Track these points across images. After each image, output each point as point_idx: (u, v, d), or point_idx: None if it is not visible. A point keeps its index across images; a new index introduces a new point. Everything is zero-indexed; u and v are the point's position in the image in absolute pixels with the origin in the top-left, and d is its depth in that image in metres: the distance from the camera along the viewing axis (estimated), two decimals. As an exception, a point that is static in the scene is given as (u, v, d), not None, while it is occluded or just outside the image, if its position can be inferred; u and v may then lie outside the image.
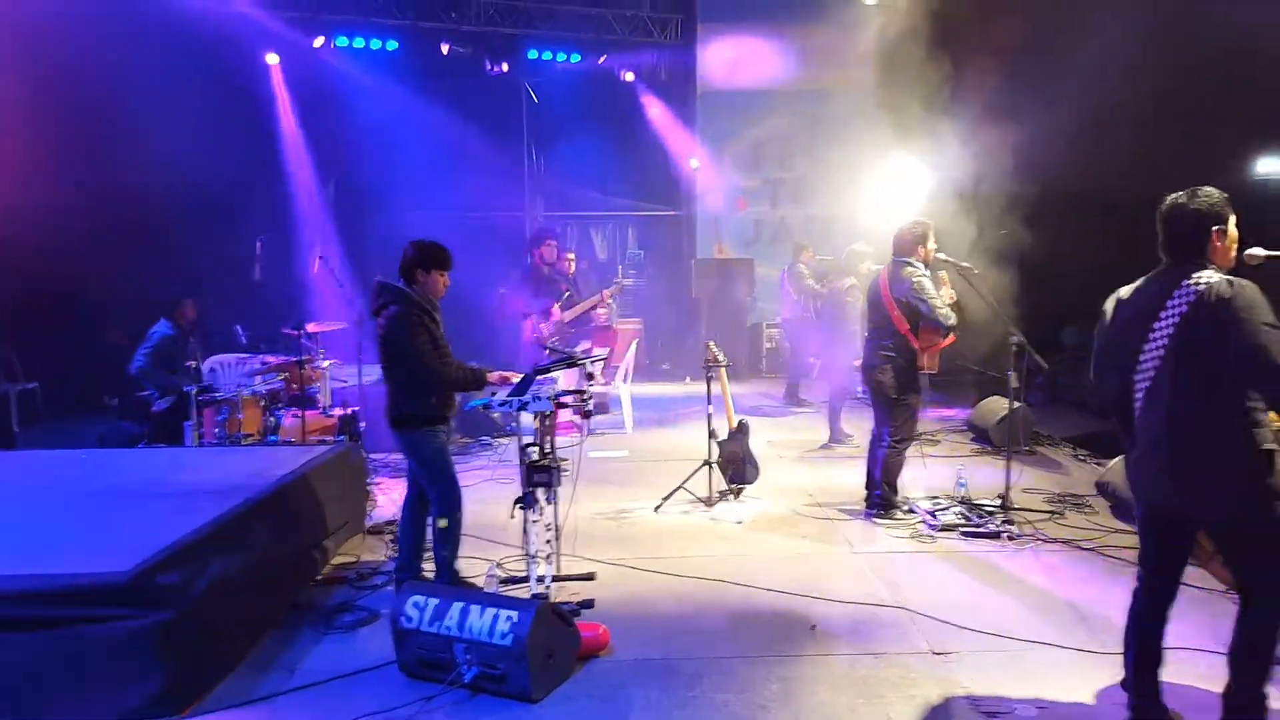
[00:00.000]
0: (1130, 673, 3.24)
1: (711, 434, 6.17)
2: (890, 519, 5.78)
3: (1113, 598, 4.39)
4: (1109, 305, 3.24)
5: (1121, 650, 3.29)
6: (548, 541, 4.47)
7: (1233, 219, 3.06)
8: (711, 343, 6.32)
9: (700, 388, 11.55)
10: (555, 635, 3.63)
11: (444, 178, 12.94)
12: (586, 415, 4.53)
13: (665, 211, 15.68)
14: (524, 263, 7.30)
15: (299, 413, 6.70)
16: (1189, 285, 2.94)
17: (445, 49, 12.92)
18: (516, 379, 4.55)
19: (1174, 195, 3.13)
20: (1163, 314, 2.98)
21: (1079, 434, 8.25)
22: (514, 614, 3.50)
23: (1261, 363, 2.77)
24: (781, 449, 7.93)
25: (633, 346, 9.36)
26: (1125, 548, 5.17)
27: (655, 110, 14.96)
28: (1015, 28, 8.98)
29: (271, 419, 6.79)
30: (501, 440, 8.42)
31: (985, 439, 8.07)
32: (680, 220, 15.46)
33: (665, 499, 6.13)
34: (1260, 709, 3.04)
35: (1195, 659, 3.66)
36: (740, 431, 6.34)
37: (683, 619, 4.34)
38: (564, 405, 4.44)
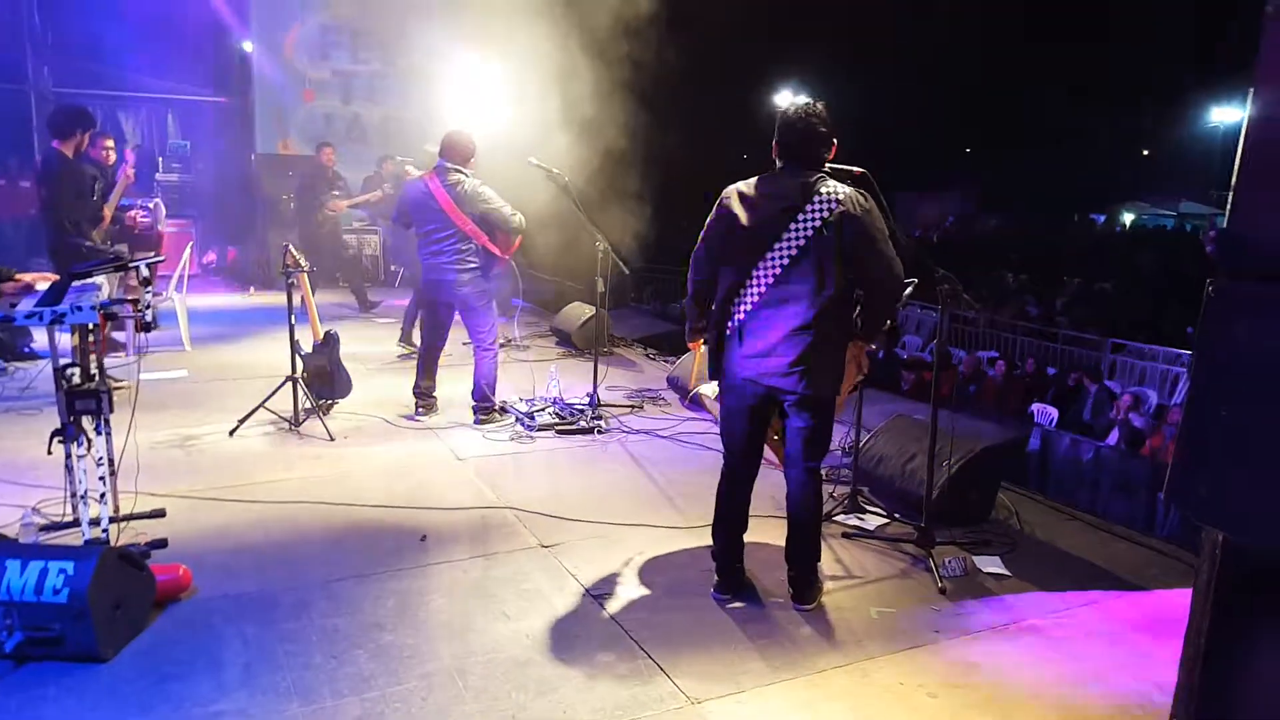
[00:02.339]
0: (722, 540, 3.59)
1: (295, 347, 5.62)
2: (490, 423, 5.81)
3: (690, 478, 4.89)
4: (731, 201, 3.30)
5: (706, 523, 3.66)
6: (100, 479, 3.75)
7: None
8: (291, 245, 5.70)
9: (267, 298, 10.81)
10: (124, 583, 3.07)
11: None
12: (145, 328, 3.82)
13: (214, 98, 13.85)
14: (48, 151, 5.87)
15: None
16: (829, 194, 3.18)
17: None
18: (44, 285, 3.69)
19: (801, 101, 3.33)
20: (800, 216, 3.17)
21: (648, 335, 9.02)
22: (68, 565, 2.88)
23: (889, 272, 3.25)
24: (364, 361, 7.53)
25: (187, 251, 8.19)
26: (695, 434, 5.78)
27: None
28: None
29: None
30: (18, 364, 6.94)
31: (569, 343, 8.44)
32: (234, 109, 13.75)
33: (242, 421, 5.49)
34: (816, 558, 3.57)
35: (765, 523, 4.17)
36: (327, 344, 5.87)
37: (278, 547, 3.95)
38: (114, 316, 3.69)
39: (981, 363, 10.00)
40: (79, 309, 3.47)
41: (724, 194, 3.36)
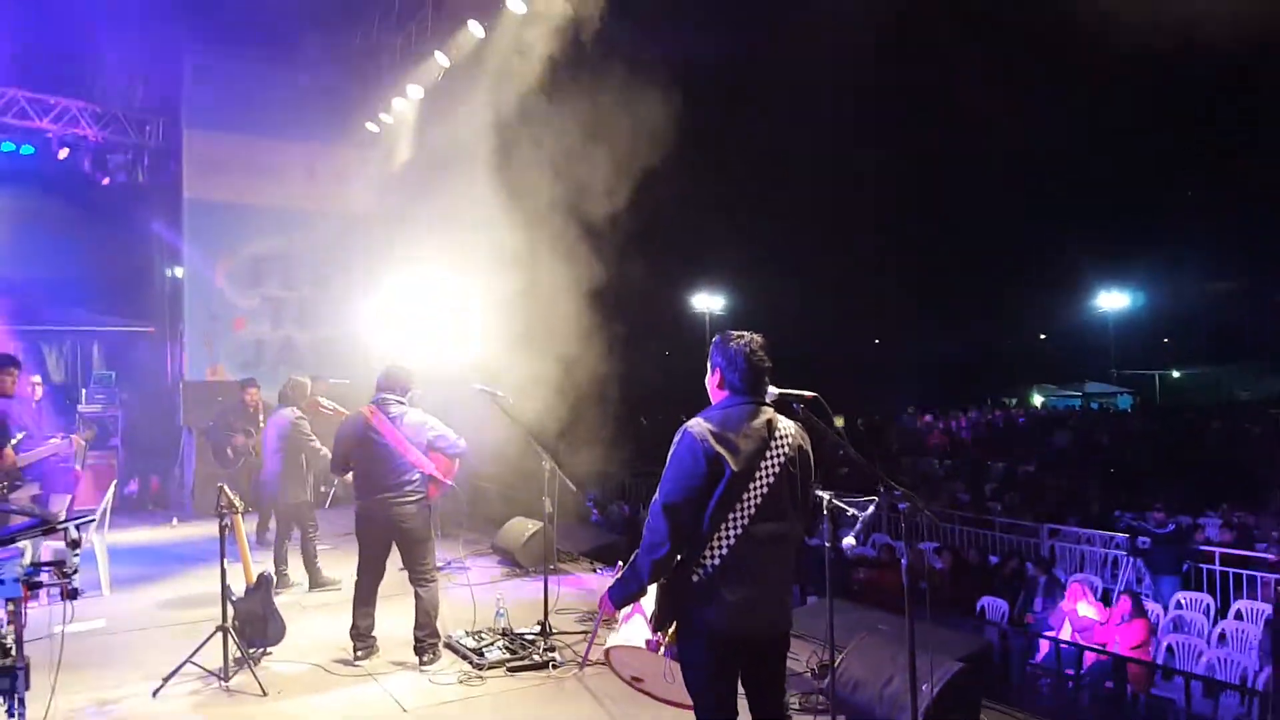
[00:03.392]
0: None
1: (226, 593, 5.32)
2: (435, 662, 5.50)
3: (652, 714, 4.63)
4: (711, 444, 3.05)
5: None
6: (10, 769, 3.39)
7: None
8: (225, 486, 5.52)
9: (191, 530, 10.33)
10: None
11: None
12: (72, 595, 3.57)
13: (142, 327, 13.84)
14: None
15: None
16: (785, 429, 3.19)
17: None
18: None
19: (749, 335, 3.27)
20: (768, 453, 3.11)
21: (594, 547, 8.85)
22: None
23: (815, 505, 3.28)
24: (289, 595, 7.15)
25: (110, 489, 7.85)
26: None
27: (130, 215, 13.33)
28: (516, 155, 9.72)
29: None
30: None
31: (512, 560, 8.21)
32: (162, 338, 13.75)
33: (167, 679, 5.08)
34: None
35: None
36: (260, 587, 5.57)
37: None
38: (38, 585, 3.46)
39: (925, 556, 10.02)
40: (1, 582, 3.25)
41: (696, 437, 3.08)
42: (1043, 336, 43.57)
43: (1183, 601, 8.99)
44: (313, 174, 13.29)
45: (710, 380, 3.32)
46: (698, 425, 3.12)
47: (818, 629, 5.86)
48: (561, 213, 9.19)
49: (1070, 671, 6.78)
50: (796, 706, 4.64)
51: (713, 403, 3.29)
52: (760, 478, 3.08)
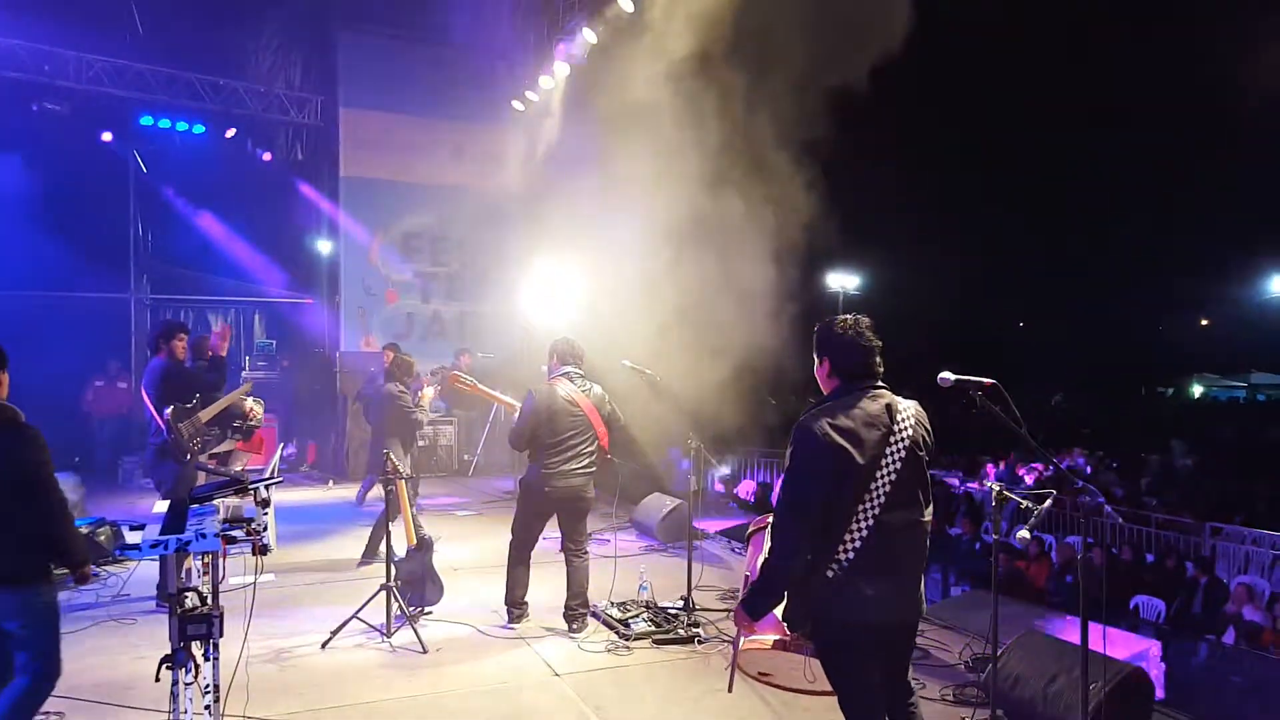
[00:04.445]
0: None
1: (389, 554, 5.61)
2: (583, 631, 5.65)
3: (801, 698, 4.61)
4: (835, 438, 2.94)
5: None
6: (206, 707, 3.68)
7: None
8: (390, 452, 5.82)
9: (346, 491, 10.92)
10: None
11: (26, 252, 11.05)
12: (262, 551, 3.84)
13: (300, 299, 14.65)
14: (155, 360, 6.30)
15: None
16: (905, 411, 3.06)
17: (34, 107, 11.22)
18: None
19: (852, 317, 3.18)
20: (892, 439, 2.99)
21: (730, 526, 8.87)
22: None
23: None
24: (451, 563, 7.46)
25: (279, 451, 8.36)
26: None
27: (290, 192, 14.08)
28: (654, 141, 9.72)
29: None
30: (110, 568, 7.00)
31: (650, 535, 8.32)
32: (319, 309, 14.53)
33: (335, 632, 5.41)
34: None
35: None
36: (421, 549, 5.86)
37: (381, 781, 3.78)
38: (233, 540, 3.73)
39: (1075, 550, 9.57)
40: (203, 536, 3.51)
41: (816, 434, 2.95)
42: (1205, 322, 40.59)
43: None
44: (461, 152, 13.69)
45: (819, 370, 3.22)
46: (816, 421, 3.00)
47: (967, 620, 5.73)
48: (712, 190, 9.13)
49: (1237, 679, 6.35)
50: (950, 699, 4.54)
51: (824, 392, 3.18)
52: (886, 465, 2.96)
